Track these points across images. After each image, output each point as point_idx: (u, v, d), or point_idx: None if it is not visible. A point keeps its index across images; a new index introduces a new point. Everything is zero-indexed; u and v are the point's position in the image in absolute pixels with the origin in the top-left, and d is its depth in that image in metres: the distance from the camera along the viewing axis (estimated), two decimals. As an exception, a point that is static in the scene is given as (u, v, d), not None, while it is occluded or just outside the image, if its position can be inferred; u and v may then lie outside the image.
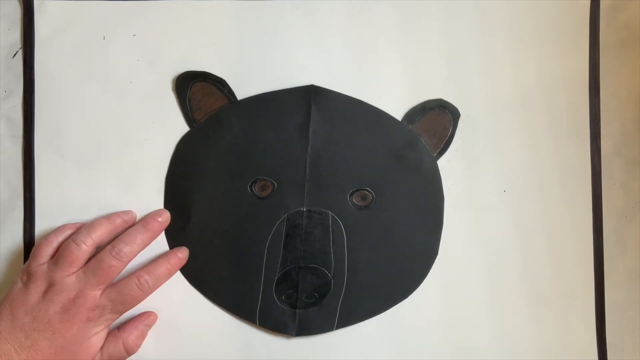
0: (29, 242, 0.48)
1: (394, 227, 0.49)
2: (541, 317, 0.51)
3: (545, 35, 0.51)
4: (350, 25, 0.49)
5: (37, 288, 0.44)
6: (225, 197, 0.48)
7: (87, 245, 0.45)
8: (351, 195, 0.48)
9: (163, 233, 0.48)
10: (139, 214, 0.48)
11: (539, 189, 0.51)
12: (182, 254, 0.48)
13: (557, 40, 0.51)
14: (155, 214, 0.48)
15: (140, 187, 0.48)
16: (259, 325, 0.48)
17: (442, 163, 0.50)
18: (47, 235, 0.46)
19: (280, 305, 0.48)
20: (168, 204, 0.48)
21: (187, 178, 0.48)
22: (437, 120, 0.49)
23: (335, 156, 0.48)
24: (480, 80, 0.50)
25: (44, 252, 0.45)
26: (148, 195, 0.48)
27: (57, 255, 0.45)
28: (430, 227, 0.49)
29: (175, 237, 0.48)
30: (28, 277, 0.44)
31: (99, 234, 0.45)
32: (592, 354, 0.51)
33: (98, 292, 0.44)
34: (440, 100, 0.50)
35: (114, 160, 0.48)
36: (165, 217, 0.48)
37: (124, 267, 0.45)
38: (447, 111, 0.50)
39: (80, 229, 0.46)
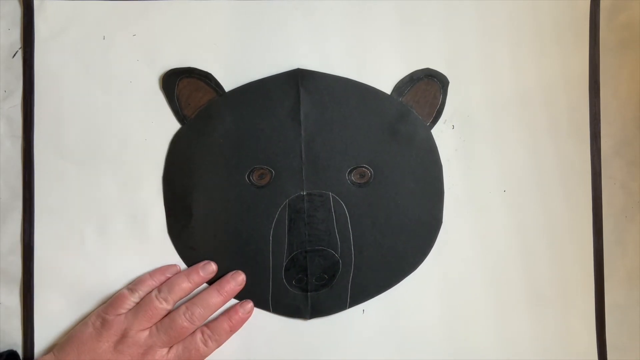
0: (28, 242, 0.48)
1: (396, 200, 0.49)
2: (541, 317, 0.51)
3: (545, 35, 0.51)
4: (350, 25, 0.50)
5: (110, 337, 0.45)
6: (225, 190, 0.48)
7: (168, 303, 0.46)
8: (349, 174, 0.49)
9: (166, 234, 0.48)
10: (139, 214, 0.48)
11: (539, 189, 0.51)
12: (245, 308, 0.48)
13: (557, 40, 0.51)
14: (231, 277, 0.48)
15: (140, 187, 0.48)
16: (273, 312, 0.49)
17: (437, 132, 0.50)
18: (132, 286, 0.47)
19: (291, 290, 0.48)
20: (167, 203, 0.48)
21: (185, 176, 0.48)
22: (426, 89, 0.50)
23: (329, 137, 0.48)
24: (480, 80, 0.50)
25: (127, 304, 0.46)
26: (148, 195, 0.48)
27: (138, 307, 0.46)
28: (431, 196, 0.50)
29: (178, 236, 0.48)
30: (102, 324, 0.45)
31: (180, 295, 0.47)
32: (592, 354, 0.51)
33: (165, 350, 0.46)
34: (428, 69, 0.50)
35: (113, 160, 0.48)
36: (241, 281, 0.48)
37: (194, 329, 0.46)
38: (435, 80, 0.50)
39: (162, 287, 0.46)
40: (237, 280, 0.48)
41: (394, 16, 0.50)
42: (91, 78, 0.48)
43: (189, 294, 0.47)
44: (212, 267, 0.48)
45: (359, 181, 0.49)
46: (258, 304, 0.49)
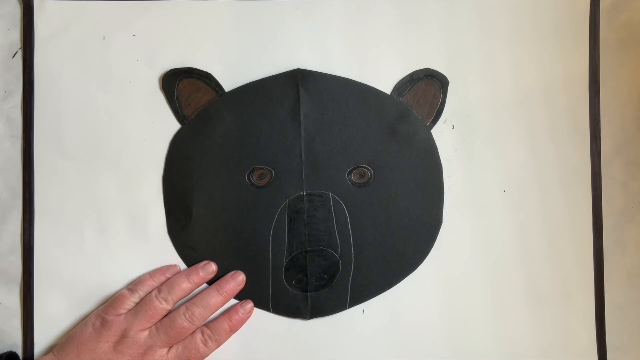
0: (28, 242, 0.48)
1: (395, 200, 0.49)
2: (541, 317, 0.51)
3: (545, 35, 0.51)
4: (350, 25, 0.49)
5: (110, 337, 0.45)
6: (224, 190, 0.48)
7: (168, 303, 0.46)
8: (349, 174, 0.49)
9: (166, 234, 0.48)
10: (139, 214, 0.48)
11: (539, 189, 0.51)
12: (245, 308, 0.48)
13: (557, 40, 0.51)
14: (230, 277, 0.48)
15: (140, 187, 0.48)
16: (273, 312, 0.49)
17: (436, 132, 0.50)
18: (133, 286, 0.47)
19: (291, 290, 0.48)
20: (167, 203, 0.48)
21: (184, 176, 0.48)
22: (426, 89, 0.50)
23: (329, 137, 0.49)
24: (480, 80, 0.50)
25: (127, 304, 0.46)
26: (148, 195, 0.48)
27: (138, 307, 0.46)
28: (431, 196, 0.50)
29: (178, 236, 0.48)
30: (102, 324, 0.45)
31: (180, 295, 0.47)
32: (592, 354, 0.51)
33: (165, 350, 0.46)
34: (427, 69, 0.50)
35: (113, 160, 0.48)
36: (240, 281, 0.48)
37: (194, 329, 0.46)
38: (435, 79, 0.50)
39: (162, 287, 0.46)
40: (237, 280, 0.48)
41: (394, 16, 0.50)
42: (91, 78, 0.48)
43: (189, 294, 0.47)
44: (212, 267, 0.48)
45: (358, 181, 0.49)
46: (258, 304, 0.49)
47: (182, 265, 0.49)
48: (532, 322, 0.51)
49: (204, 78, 0.48)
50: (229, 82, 0.49)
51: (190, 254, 0.48)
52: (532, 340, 0.50)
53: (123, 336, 0.45)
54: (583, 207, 0.51)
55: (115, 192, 0.48)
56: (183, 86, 0.48)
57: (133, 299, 0.46)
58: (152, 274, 0.47)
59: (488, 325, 0.50)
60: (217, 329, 0.47)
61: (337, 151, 0.49)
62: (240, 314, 0.48)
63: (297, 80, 0.48)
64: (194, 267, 0.48)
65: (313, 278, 0.48)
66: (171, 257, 0.49)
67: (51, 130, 0.48)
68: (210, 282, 0.48)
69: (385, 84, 0.49)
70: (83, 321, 0.47)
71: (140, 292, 0.46)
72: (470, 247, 0.50)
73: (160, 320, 0.46)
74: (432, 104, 0.50)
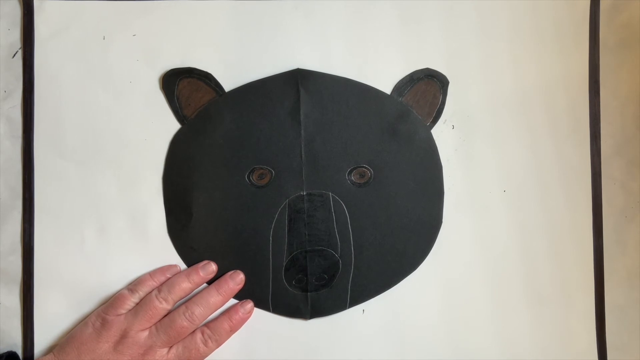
0: (28, 242, 0.48)
1: (395, 200, 0.49)
2: (541, 317, 0.51)
3: (545, 36, 0.51)
4: (350, 25, 0.50)
5: (110, 338, 0.45)
6: (225, 190, 0.48)
7: (168, 303, 0.46)
8: (349, 174, 0.49)
9: (166, 234, 0.49)
10: (139, 214, 0.48)
11: (539, 189, 0.51)
12: (245, 308, 0.48)
13: (557, 40, 0.51)
14: (229, 277, 0.48)
15: (140, 187, 0.49)
16: (273, 312, 0.49)
17: (437, 132, 0.50)
18: (133, 286, 0.47)
19: (291, 290, 0.48)
20: (167, 203, 0.49)
21: (184, 176, 0.48)
22: (426, 89, 0.50)
23: (329, 137, 0.49)
24: (480, 80, 0.50)
25: (127, 304, 0.46)
26: (148, 195, 0.48)
27: (138, 307, 0.46)
28: (431, 196, 0.50)
29: (178, 236, 0.48)
30: (102, 324, 0.45)
31: (180, 295, 0.47)
32: (592, 354, 0.51)
33: (165, 350, 0.45)
34: (428, 69, 0.50)
35: (113, 160, 0.48)
36: (240, 280, 0.48)
37: (194, 329, 0.46)
38: (435, 79, 0.50)
39: (162, 287, 0.46)
40: (236, 280, 0.48)
41: (394, 16, 0.50)
42: (91, 78, 0.48)
43: (189, 294, 0.47)
44: (212, 267, 0.48)
45: (358, 181, 0.49)
46: (258, 304, 0.49)
47: (182, 265, 0.49)
48: (532, 322, 0.51)
49: (204, 78, 0.48)
50: (229, 82, 0.49)
51: (190, 254, 0.48)
52: (532, 340, 0.51)
53: (123, 336, 0.45)
54: (583, 207, 0.51)
55: (115, 192, 0.48)
56: (183, 86, 0.48)
57: (133, 299, 0.46)
58: (152, 274, 0.47)
59: (488, 325, 0.50)
60: (217, 329, 0.47)
61: (337, 151, 0.49)
62: (240, 313, 0.48)
63: (297, 80, 0.48)
64: (194, 267, 0.48)
65: (313, 278, 0.48)
66: (171, 257, 0.49)
67: (51, 130, 0.48)
68: (210, 282, 0.48)
69: (385, 84, 0.50)
70: (83, 321, 0.47)
71: (140, 292, 0.46)
72: (470, 247, 0.50)
73: (160, 320, 0.46)
74: (432, 104, 0.50)
